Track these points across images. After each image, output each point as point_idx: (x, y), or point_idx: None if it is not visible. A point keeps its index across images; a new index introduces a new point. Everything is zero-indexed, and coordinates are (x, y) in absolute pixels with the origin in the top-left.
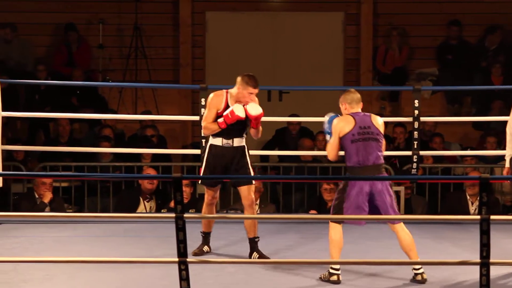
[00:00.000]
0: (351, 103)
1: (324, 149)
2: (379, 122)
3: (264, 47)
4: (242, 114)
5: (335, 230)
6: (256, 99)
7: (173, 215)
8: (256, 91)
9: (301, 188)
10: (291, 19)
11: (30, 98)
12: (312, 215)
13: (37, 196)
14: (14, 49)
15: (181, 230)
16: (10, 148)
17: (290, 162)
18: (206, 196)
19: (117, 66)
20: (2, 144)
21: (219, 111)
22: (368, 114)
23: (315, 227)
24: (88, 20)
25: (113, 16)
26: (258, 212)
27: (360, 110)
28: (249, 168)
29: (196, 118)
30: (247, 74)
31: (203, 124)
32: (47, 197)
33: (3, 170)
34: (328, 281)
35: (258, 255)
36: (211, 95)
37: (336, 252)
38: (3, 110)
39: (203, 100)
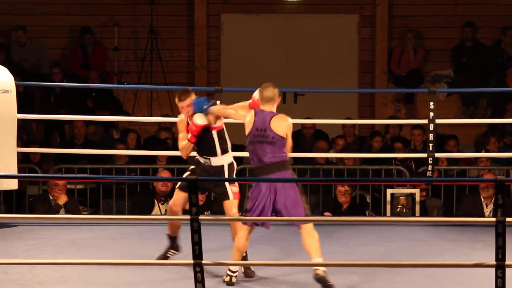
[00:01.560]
0: (262, 101)
1: (339, 152)
2: (280, 124)
3: (279, 49)
4: (202, 122)
5: (240, 233)
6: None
7: (188, 217)
8: (181, 104)
9: (316, 190)
10: (306, 21)
11: (46, 100)
12: (327, 217)
13: (51, 198)
14: (29, 52)
15: (196, 232)
16: (25, 150)
17: (305, 165)
18: (176, 198)
19: (132, 69)
20: (18, 146)
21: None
22: (272, 115)
23: (329, 229)
24: (104, 22)
25: (128, 18)
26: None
27: (271, 109)
28: (225, 188)
29: None
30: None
31: (179, 147)
32: (62, 199)
33: (18, 172)
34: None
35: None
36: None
37: (236, 255)
38: (19, 112)
39: (218, 102)
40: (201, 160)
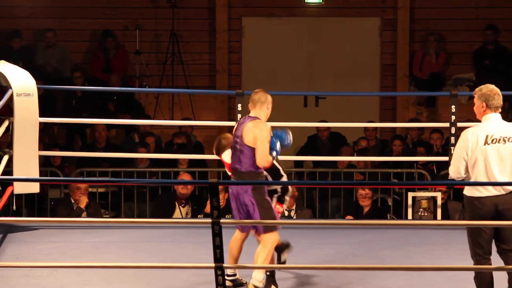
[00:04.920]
0: (249, 104)
1: (359, 152)
2: (248, 132)
3: (300, 52)
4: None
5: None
6: None
7: (210, 220)
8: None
9: (337, 194)
10: (327, 24)
11: (68, 104)
12: (349, 220)
13: (73, 202)
14: (54, 55)
15: (217, 236)
16: (47, 153)
17: (324, 168)
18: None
19: (154, 72)
20: (40, 149)
21: None
22: (248, 120)
23: (351, 233)
24: (125, 26)
25: (150, 22)
26: (294, 217)
27: (255, 114)
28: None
29: (233, 123)
30: None
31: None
32: (83, 202)
33: (40, 175)
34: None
35: None
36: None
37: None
38: (41, 116)
39: (239, 105)
40: None
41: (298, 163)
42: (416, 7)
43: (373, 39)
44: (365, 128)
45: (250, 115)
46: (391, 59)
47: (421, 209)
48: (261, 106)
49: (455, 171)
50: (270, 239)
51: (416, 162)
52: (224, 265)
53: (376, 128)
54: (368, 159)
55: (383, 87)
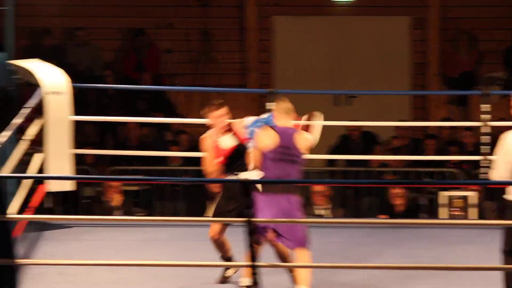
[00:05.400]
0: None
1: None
2: (303, 141)
3: (331, 51)
4: (228, 144)
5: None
6: (239, 123)
7: (244, 219)
8: (219, 112)
9: (370, 193)
10: (358, 23)
11: (100, 102)
12: (381, 219)
13: (106, 200)
14: (85, 53)
15: (251, 234)
16: (80, 152)
17: (357, 167)
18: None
19: (185, 71)
20: (72, 147)
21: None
22: (291, 132)
23: (384, 232)
24: (156, 25)
25: (181, 21)
26: (328, 216)
27: (284, 123)
28: None
29: None
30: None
31: (207, 171)
32: (116, 200)
33: (74, 173)
34: None
35: None
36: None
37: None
38: (73, 114)
39: (270, 104)
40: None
41: (330, 162)
42: (447, 5)
43: (404, 37)
44: (397, 127)
45: (285, 123)
46: (422, 57)
47: (454, 208)
48: (291, 114)
49: (498, 175)
50: (308, 254)
51: (448, 161)
52: (259, 263)
53: (408, 127)
54: (400, 158)
55: (414, 86)
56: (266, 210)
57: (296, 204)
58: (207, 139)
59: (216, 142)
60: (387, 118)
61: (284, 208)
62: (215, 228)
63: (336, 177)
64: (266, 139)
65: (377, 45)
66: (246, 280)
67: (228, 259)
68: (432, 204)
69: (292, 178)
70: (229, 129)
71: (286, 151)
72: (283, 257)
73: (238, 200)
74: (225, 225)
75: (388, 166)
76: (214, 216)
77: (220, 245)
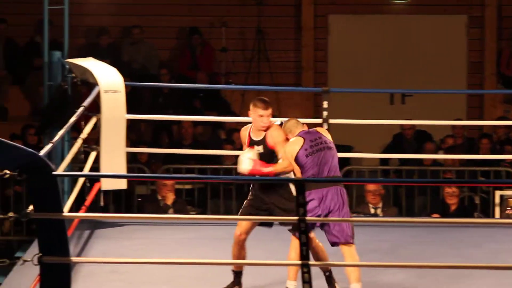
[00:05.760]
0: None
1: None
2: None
3: (387, 50)
4: (245, 166)
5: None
6: (274, 123)
7: (296, 218)
8: (266, 112)
9: (424, 192)
10: (414, 22)
11: (154, 101)
12: (435, 218)
13: (160, 198)
14: (140, 52)
15: (303, 233)
16: (134, 150)
17: (410, 166)
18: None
19: (240, 69)
20: (127, 146)
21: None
22: (314, 130)
23: (437, 231)
24: (211, 23)
25: (236, 19)
26: (381, 215)
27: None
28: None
29: (319, 121)
30: (257, 98)
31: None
32: (170, 199)
33: (128, 172)
34: None
35: None
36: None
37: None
38: (128, 112)
39: (325, 103)
40: None
41: (383, 161)
42: (504, 4)
43: (460, 36)
44: (453, 126)
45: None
46: (478, 57)
47: (509, 208)
48: (301, 124)
49: None
50: (354, 250)
51: (504, 160)
52: (310, 262)
53: (464, 126)
54: (455, 157)
55: (470, 85)
56: (316, 204)
57: (344, 195)
58: (243, 132)
59: (249, 140)
60: (442, 117)
61: (334, 201)
62: (244, 226)
63: (389, 176)
64: (293, 146)
65: (433, 44)
66: (292, 283)
67: (237, 274)
68: (485, 203)
69: (332, 164)
70: (266, 129)
71: (315, 141)
72: (316, 254)
73: (270, 198)
74: (254, 225)
75: (442, 165)
76: (243, 214)
77: (240, 247)
